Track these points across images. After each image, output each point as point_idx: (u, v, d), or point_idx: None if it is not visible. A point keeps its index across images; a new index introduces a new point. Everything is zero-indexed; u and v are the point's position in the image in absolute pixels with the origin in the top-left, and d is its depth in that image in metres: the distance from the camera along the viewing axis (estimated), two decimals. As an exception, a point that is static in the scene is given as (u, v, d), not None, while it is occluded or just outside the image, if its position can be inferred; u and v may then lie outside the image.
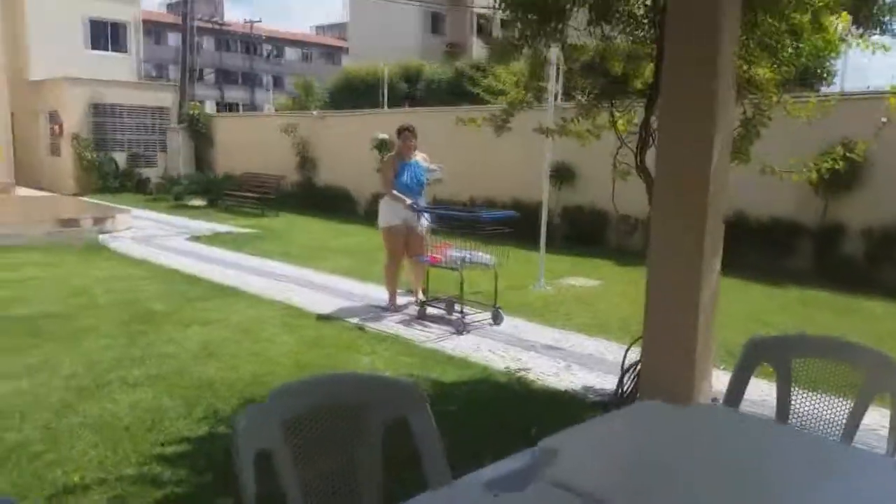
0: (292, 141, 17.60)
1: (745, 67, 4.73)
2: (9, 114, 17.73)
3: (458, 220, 6.86)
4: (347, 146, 16.24)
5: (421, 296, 7.06)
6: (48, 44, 21.79)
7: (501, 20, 5.91)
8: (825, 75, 14.14)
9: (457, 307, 6.70)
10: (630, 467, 1.85)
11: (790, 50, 4.69)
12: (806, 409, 2.42)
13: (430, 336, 6.17)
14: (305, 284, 8.31)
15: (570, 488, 1.72)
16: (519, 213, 7.15)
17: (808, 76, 14.43)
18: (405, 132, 7.01)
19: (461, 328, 6.34)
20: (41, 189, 20.51)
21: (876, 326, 6.70)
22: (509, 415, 4.45)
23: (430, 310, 6.80)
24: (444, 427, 4.00)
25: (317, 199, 16.98)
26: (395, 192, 6.92)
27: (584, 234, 11.59)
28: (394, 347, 5.74)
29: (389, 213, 7.04)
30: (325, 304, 7.22)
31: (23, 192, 18.26)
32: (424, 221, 7.02)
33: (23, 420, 4.04)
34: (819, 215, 9.37)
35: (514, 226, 6.54)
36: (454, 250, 6.61)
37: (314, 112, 18.80)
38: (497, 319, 6.64)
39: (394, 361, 5.37)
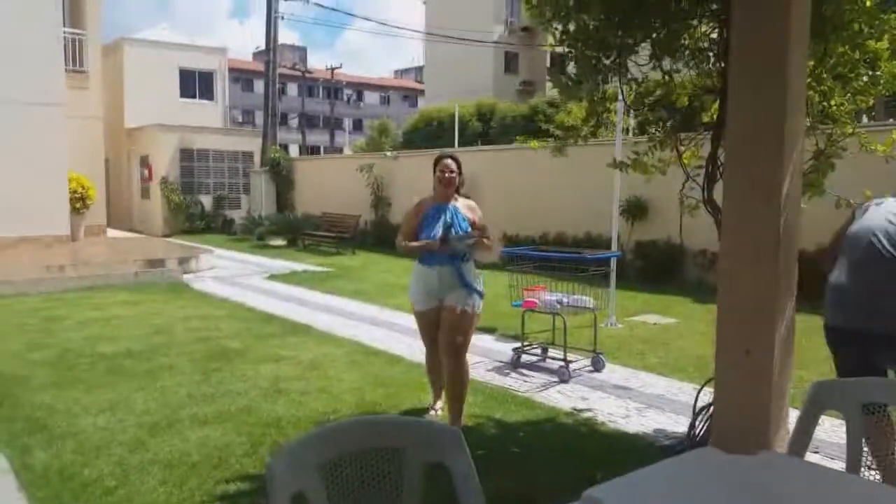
0: (367, 181, 17.97)
1: (817, 99, 4.56)
2: (103, 160, 18.79)
3: (559, 262, 6.48)
4: (419, 185, 16.42)
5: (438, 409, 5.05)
6: (142, 92, 23.13)
7: (556, 55, 5.78)
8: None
9: (551, 352, 6.48)
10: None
11: (865, 79, 4.50)
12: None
13: (497, 379, 6.11)
14: (374, 322, 8.38)
15: (611, 540, 1.65)
16: (592, 248, 6.97)
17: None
18: (442, 161, 4.82)
19: (565, 376, 5.98)
20: (132, 231, 21.60)
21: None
22: (572, 459, 4.32)
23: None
24: (503, 470, 3.96)
25: (391, 237, 17.15)
26: (406, 243, 4.95)
27: (658, 269, 11.28)
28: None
29: (414, 287, 5.02)
30: (392, 342, 7.26)
31: (114, 233, 19.25)
32: (478, 299, 4.78)
33: (97, 456, 4.18)
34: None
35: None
36: (547, 294, 6.32)
37: (387, 153, 19.17)
38: (598, 366, 6.30)
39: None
